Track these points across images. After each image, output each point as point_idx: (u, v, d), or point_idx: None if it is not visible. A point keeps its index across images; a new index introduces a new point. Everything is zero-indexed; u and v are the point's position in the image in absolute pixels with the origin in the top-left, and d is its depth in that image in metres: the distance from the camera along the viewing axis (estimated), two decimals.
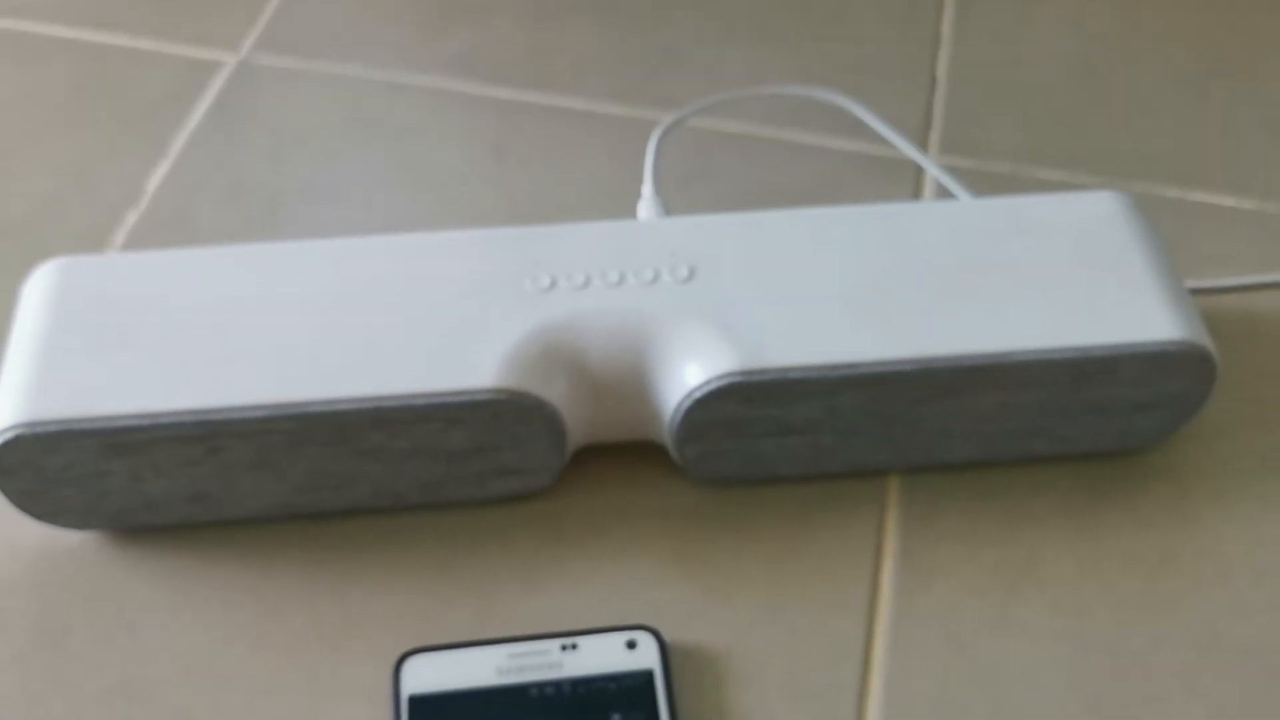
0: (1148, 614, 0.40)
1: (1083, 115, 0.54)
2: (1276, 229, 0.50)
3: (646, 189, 0.46)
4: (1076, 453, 0.42)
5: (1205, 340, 0.39)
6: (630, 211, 0.48)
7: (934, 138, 0.54)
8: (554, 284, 0.40)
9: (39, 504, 0.39)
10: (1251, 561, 0.41)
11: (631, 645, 0.38)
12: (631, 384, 0.40)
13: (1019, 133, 0.54)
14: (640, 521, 0.42)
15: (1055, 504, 0.42)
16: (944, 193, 0.51)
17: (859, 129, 0.53)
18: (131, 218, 0.51)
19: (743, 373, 0.38)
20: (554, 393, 0.39)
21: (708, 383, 0.38)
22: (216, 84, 0.56)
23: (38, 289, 0.41)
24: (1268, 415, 0.44)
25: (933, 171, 0.50)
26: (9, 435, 0.37)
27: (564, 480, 0.42)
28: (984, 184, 0.52)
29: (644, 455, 0.43)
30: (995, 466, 0.43)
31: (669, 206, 0.47)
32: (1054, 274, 0.40)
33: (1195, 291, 0.47)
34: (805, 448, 0.41)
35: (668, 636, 0.39)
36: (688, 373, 0.39)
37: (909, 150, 0.51)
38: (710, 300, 0.40)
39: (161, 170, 0.53)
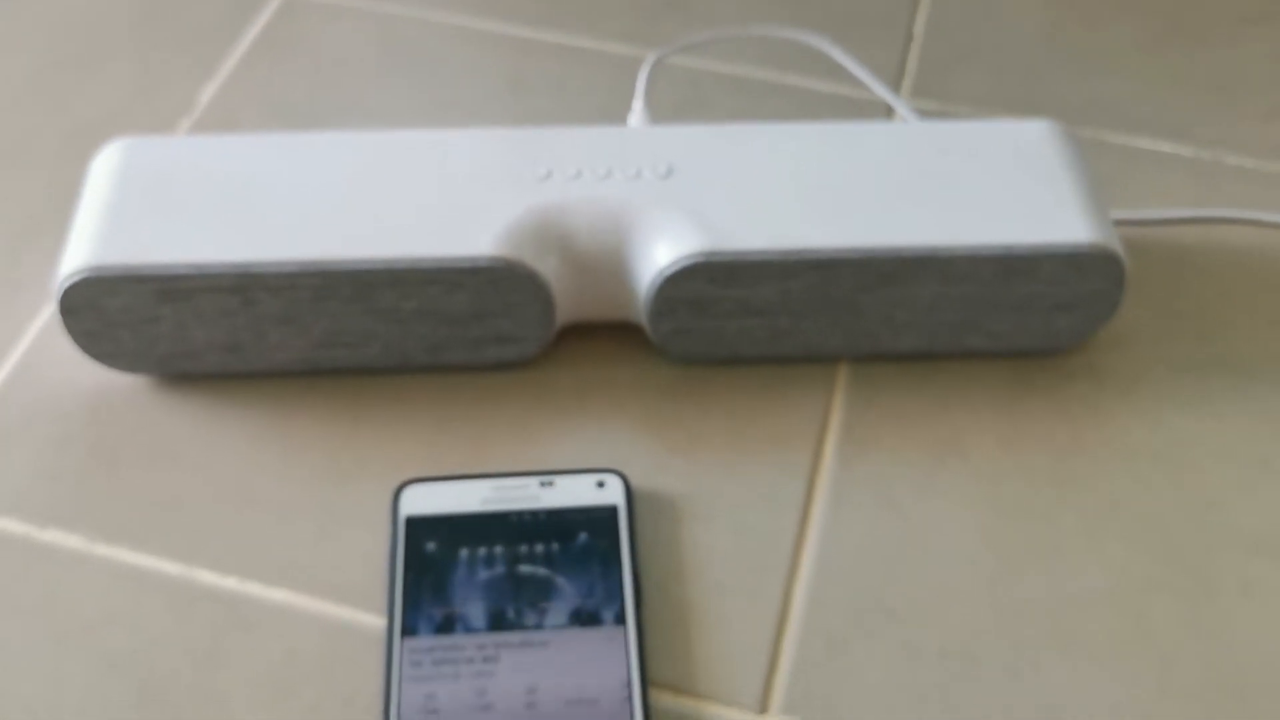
0: (1056, 484, 0.45)
1: (1046, 70, 0.60)
2: (1207, 173, 0.55)
3: (637, 103, 0.52)
4: (1005, 349, 0.48)
5: (1116, 245, 0.45)
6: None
7: (906, 84, 0.59)
8: (550, 174, 0.46)
9: (98, 345, 0.45)
10: (1154, 447, 0.46)
11: (601, 485, 0.44)
12: (613, 263, 0.46)
13: (985, 83, 0.59)
14: (617, 390, 0.48)
15: (983, 392, 0.48)
16: None
17: (838, 73, 0.59)
18: (185, 124, 0.58)
19: (707, 253, 0.44)
20: (545, 267, 0.45)
21: (678, 261, 0.44)
22: (264, 15, 0.63)
23: (105, 162, 0.47)
24: (1180, 329, 0.50)
25: (901, 110, 0.56)
26: (77, 278, 0.43)
27: (552, 354, 0.48)
28: None
29: (624, 336, 0.49)
30: (933, 359, 0.48)
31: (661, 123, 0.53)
32: (987, 184, 0.46)
33: (1127, 222, 0.52)
34: (764, 329, 0.46)
35: (634, 484, 0.45)
36: (660, 253, 0.45)
37: (881, 91, 0.56)
38: (684, 194, 0.46)
39: (212, 87, 0.59)
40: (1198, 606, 0.42)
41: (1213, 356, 0.49)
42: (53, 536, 0.43)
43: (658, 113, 0.57)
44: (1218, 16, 0.63)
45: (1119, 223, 0.52)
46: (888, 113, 0.58)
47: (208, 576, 0.42)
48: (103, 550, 0.43)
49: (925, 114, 0.58)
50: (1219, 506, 0.45)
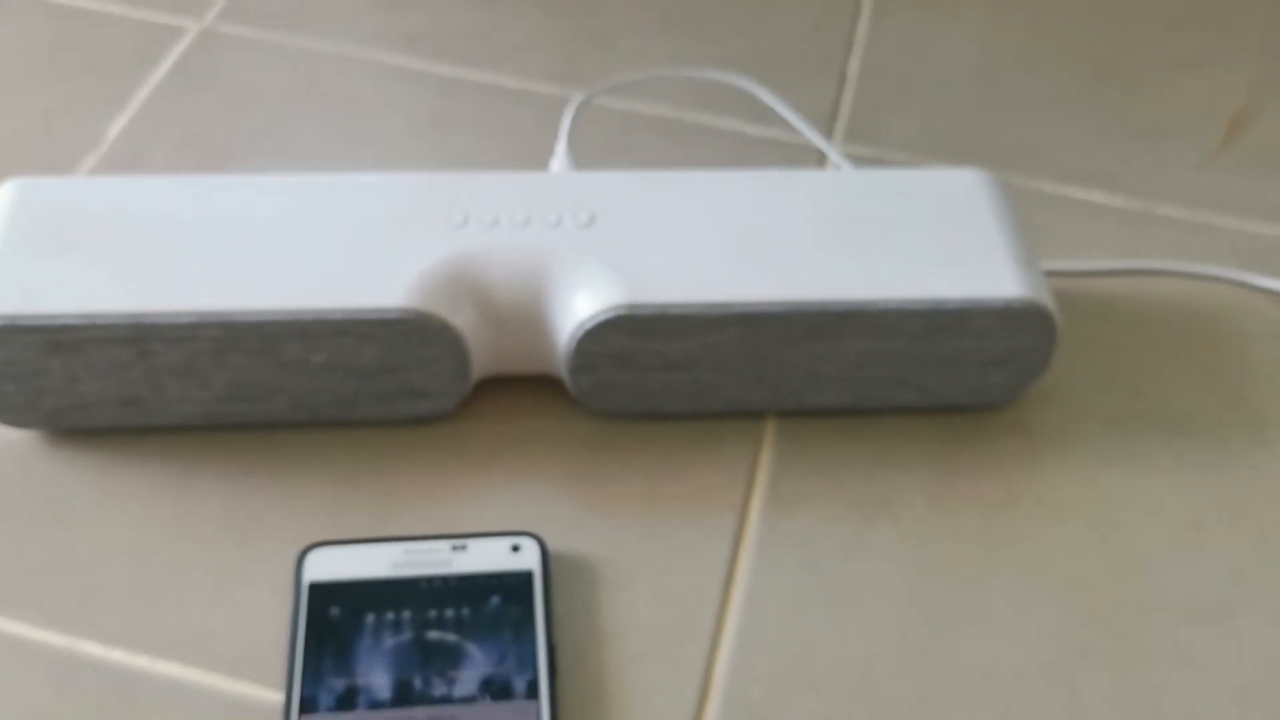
0: (986, 546, 0.44)
1: (979, 116, 0.59)
2: (1137, 223, 0.55)
3: (560, 147, 0.50)
4: (937, 405, 0.46)
5: (1046, 300, 0.44)
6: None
7: (838, 128, 0.58)
8: (466, 222, 0.44)
9: None
10: (1085, 507, 0.45)
11: (515, 549, 0.42)
12: (531, 315, 0.44)
13: (918, 128, 0.58)
14: (536, 447, 0.46)
15: (915, 450, 0.46)
16: None
17: (770, 117, 0.58)
18: (91, 160, 0.55)
19: (629, 306, 0.42)
20: (459, 318, 0.43)
21: (598, 314, 0.42)
22: (179, 47, 0.60)
23: None
24: (1112, 383, 0.49)
25: (832, 156, 0.55)
26: None
27: (468, 408, 0.46)
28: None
29: (543, 390, 0.47)
30: (864, 414, 0.47)
31: (585, 169, 0.51)
32: (917, 235, 0.45)
33: (1058, 273, 0.52)
34: (688, 384, 0.45)
35: (551, 546, 0.43)
36: (580, 305, 0.43)
37: (812, 136, 0.55)
38: (606, 243, 0.44)
39: (122, 120, 0.57)
40: (1129, 675, 0.41)
41: (1145, 411, 0.48)
42: None
43: (583, 154, 0.55)
44: (1150, 61, 0.62)
45: (1050, 274, 0.51)
46: (820, 156, 0.57)
47: (93, 648, 0.40)
48: None
49: (857, 159, 0.57)
50: (1151, 569, 0.44)
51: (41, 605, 0.41)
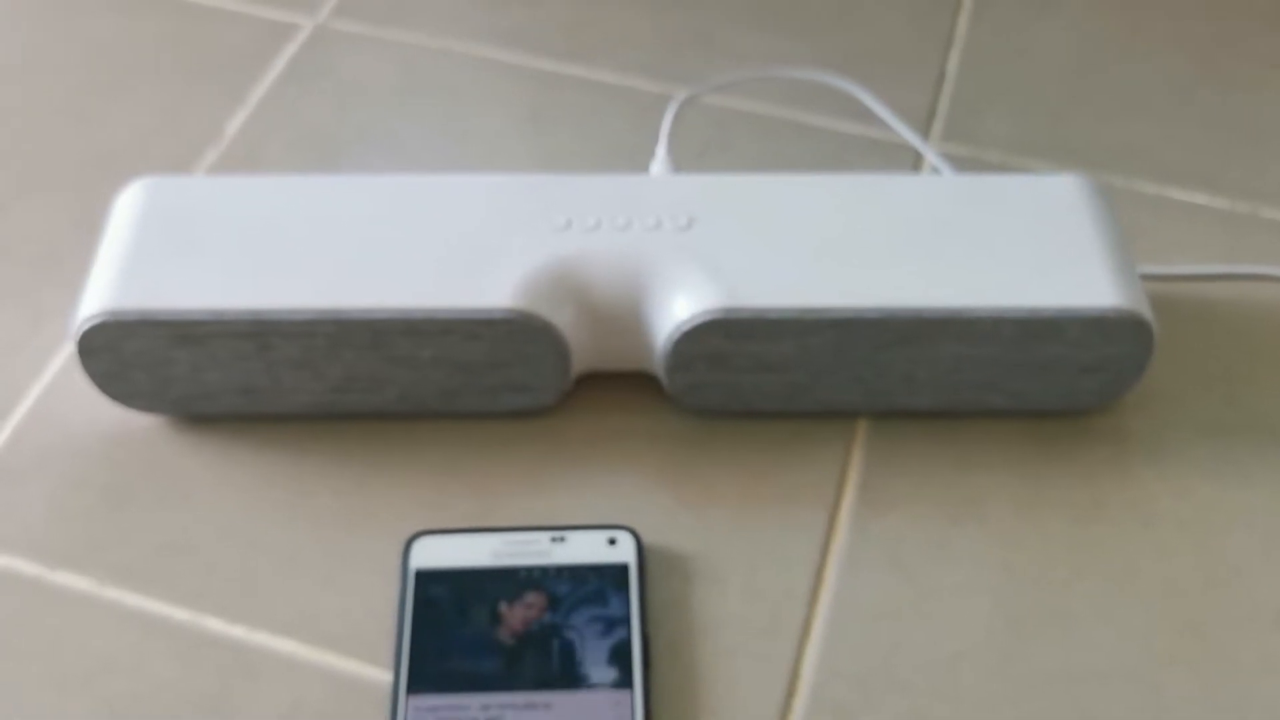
0: (1074, 550, 0.44)
1: (1077, 113, 0.59)
2: (1241, 226, 0.54)
3: (660, 149, 0.52)
4: (1028, 409, 0.47)
5: (1144, 310, 0.44)
6: (645, 170, 0.54)
7: (936, 127, 0.58)
8: (569, 224, 0.46)
9: (115, 386, 0.45)
10: (1176, 513, 0.45)
11: (612, 542, 0.43)
12: (630, 315, 0.45)
13: (1016, 126, 0.58)
14: (632, 442, 0.47)
15: (1004, 453, 0.47)
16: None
17: (868, 116, 0.59)
18: (211, 155, 0.58)
19: (725, 310, 0.43)
20: (561, 318, 0.44)
21: (695, 317, 0.44)
22: (294, 44, 0.63)
23: (127, 202, 0.47)
24: (1208, 389, 0.48)
25: (928, 155, 0.55)
26: (95, 320, 0.43)
27: (567, 402, 0.48)
28: (976, 170, 0.56)
29: (640, 386, 0.48)
30: (954, 417, 0.48)
31: (684, 171, 0.52)
32: (1014, 243, 0.45)
33: (1157, 276, 0.51)
34: (781, 384, 0.46)
35: (645, 539, 0.44)
36: (678, 307, 0.44)
37: (909, 136, 0.56)
38: (704, 247, 0.45)
39: (240, 116, 0.59)
40: (1215, 682, 0.41)
41: (1241, 420, 0.48)
42: (63, 578, 0.43)
43: (681, 151, 0.56)
44: (1250, 61, 0.61)
45: (1149, 278, 0.51)
46: (916, 157, 0.57)
47: (215, 624, 0.42)
48: (112, 593, 0.43)
49: (954, 158, 0.57)
50: (1243, 577, 0.44)
51: (168, 582, 0.43)
